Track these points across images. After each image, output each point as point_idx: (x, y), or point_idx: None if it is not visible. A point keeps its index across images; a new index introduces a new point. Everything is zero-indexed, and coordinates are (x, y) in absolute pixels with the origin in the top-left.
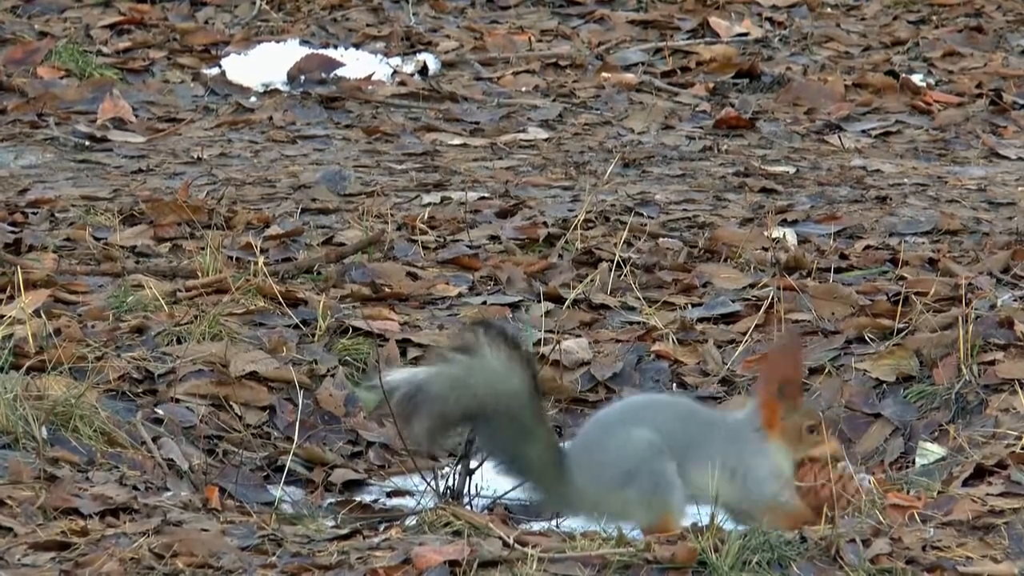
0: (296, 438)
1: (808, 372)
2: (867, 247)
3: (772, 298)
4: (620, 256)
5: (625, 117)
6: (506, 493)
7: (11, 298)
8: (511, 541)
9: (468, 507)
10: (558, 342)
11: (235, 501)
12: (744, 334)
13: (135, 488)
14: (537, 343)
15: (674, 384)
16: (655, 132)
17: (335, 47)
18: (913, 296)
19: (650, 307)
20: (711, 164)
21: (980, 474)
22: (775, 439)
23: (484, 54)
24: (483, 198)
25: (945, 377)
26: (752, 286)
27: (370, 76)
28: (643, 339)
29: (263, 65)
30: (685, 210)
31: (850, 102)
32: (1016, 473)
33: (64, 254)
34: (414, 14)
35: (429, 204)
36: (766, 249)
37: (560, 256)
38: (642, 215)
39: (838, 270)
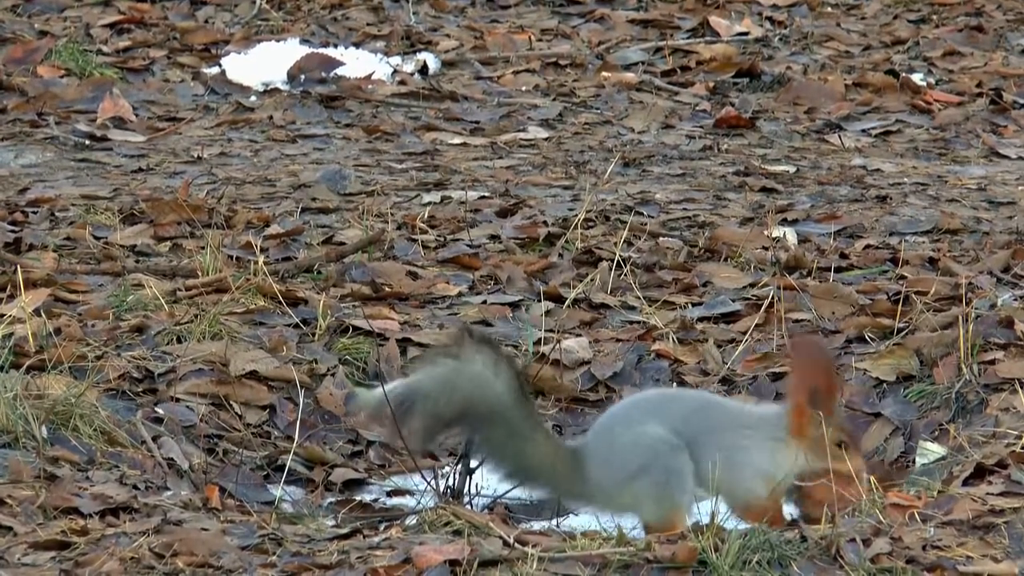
0: (296, 437)
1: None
2: (867, 246)
3: (772, 297)
4: (620, 255)
5: (625, 116)
6: (506, 492)
7: (11, 297)
8: (511, 540)
9: (468, 506)
10: (558, 341)
11: (235, 500)
12: (744, 333)
13: (135, 487)
14: (537, 342)
15: (674, 384)
16: (655, 131)
17: (335, 46)
18: (913, 295)
19: (650, 306)
20: (711, 163)
21: (980, 473)
22: (800, 446)
23: (484, 53)
24: (483, 197)
25: (945, 376)
26: (752, 285)
27: (370, 75)
28: (643, 338)
29: (263, 64)
30: (685, 209)
31: (850, 101)
32: (1016, 472)
33: (64, 253)
34: (414, 13)
35: (429, 203)
36: (766, 248)
37: (560, 255)
38: (642, 214)
39: (838, 269)
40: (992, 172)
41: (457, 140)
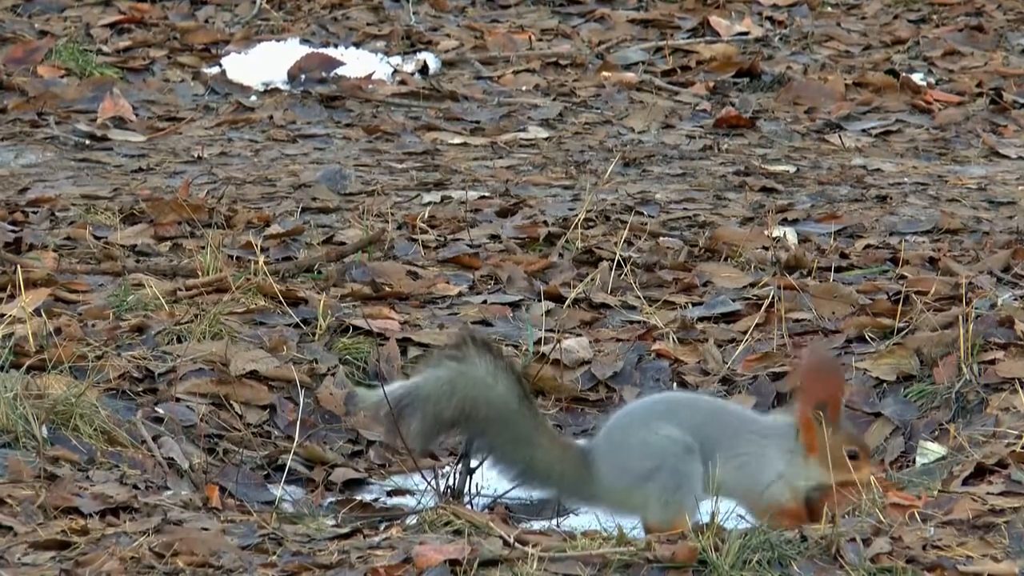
0: (296, 437)
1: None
2: (867, 246)
3: (772, 297)
4: (620, 255)
5: (625, 116)
6: (507, 492)
7: (11, 297)
8: (512, 540)
9: (468, 506)
10: (558, 341)
11: (235, 500)
12: (744, 333)
13: (135, 487)
14: (538, 342)
15: (675, 383)
16: (655, 131)
17: (335, 46)
18: (913, 295)
19: (650, 306)
20: (711, 163)
21: (980, 473)
22: (814, 460)
23: (484, 53)
24: (483, 197)
25: (945, 376)
26: (752, 285)
27: (370, 75)
28: (644, 338)
29: (263, 64)
30: (685, 209)
31: (850, 101)
32: (1016, 472)
33: (64, 253)
34: (414, 13)
35: (429, 203)
36: (766, 248)
37: (560, 255)
38: (642, 214)
39: (838, 269)
40: (992, 172)
41: (457, 140)
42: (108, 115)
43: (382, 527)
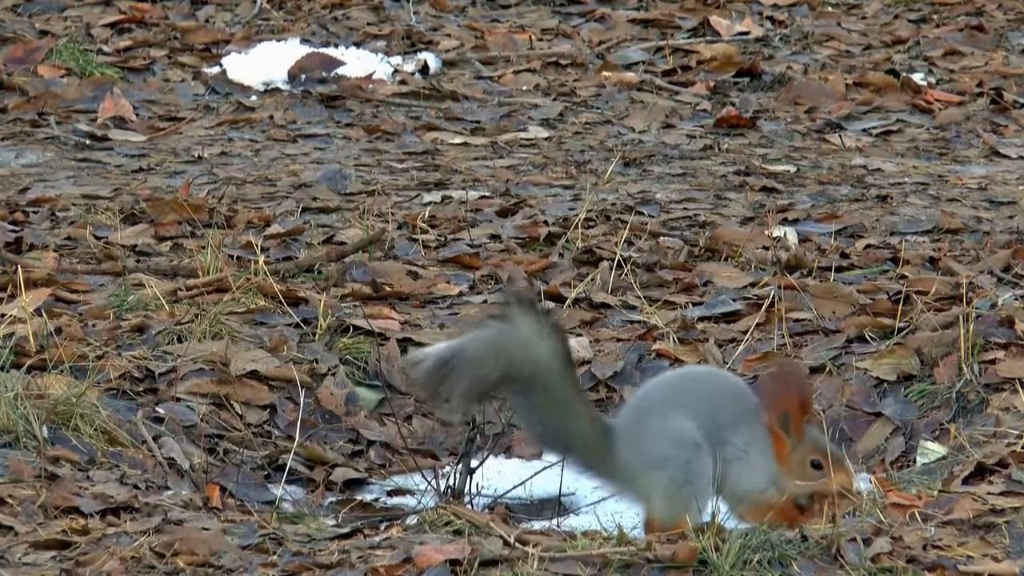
0: (297, 437)
1: (811, 376)
2: (868, 246)
3: (773, 297)
4: (621, 255)
5: (626, 116)
6: (507, 492)
7: (12, 297)
8: (512, 540)
9: (469, 506)
10: None
11: (236, 500)
12: (745, 333)
13: (136, 487)
14: None
15: None
16: (656, 131)
17: (336, 46)
18: (914, 295)
19: (651, 306)
20: (712, 163)
21: (981, 473)
22: (787, 474)
23: (485, 53)
24: (484, 197)
25: (946, 376)
26: (753, 285)
27: (371, 75)
28: (644, 338)
29: (264, 64)
30: (686, 209)
31: (851, 101)
32: (1017, 472)
33: (65, 253)
34: (415, 13)
35: (430, 203)
36: (767, 248)
37: (561, 255)
38: (643, 214)
39: (839, 269)
40: (992, 172)
41: (458, 140)
42: (108, 115)
43: (382, 527)
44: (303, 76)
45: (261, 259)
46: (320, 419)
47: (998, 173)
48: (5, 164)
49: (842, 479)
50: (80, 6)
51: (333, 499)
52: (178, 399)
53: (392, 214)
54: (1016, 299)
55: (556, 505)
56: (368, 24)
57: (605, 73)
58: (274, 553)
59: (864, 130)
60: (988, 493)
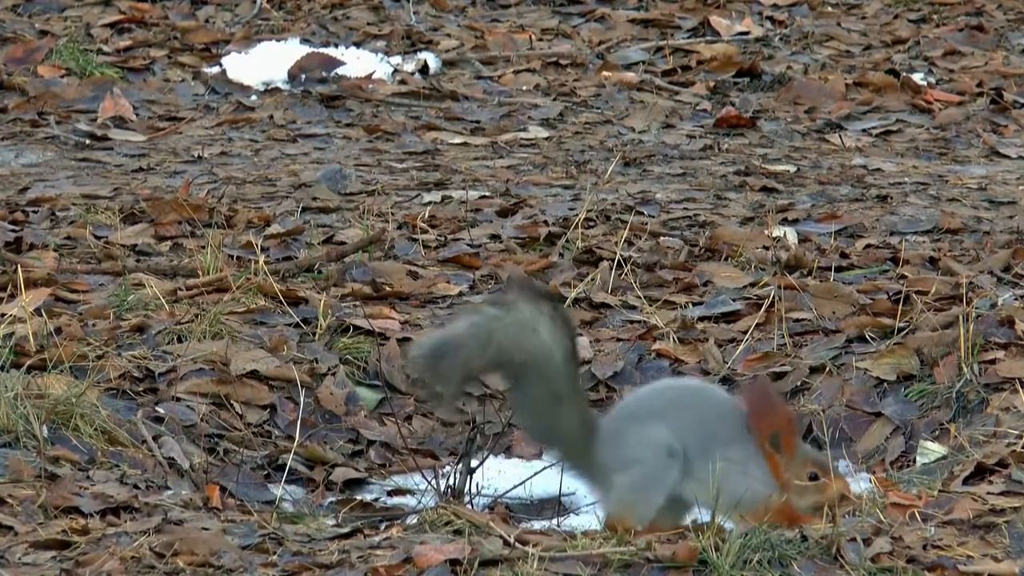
0: (297, 437)
1: (809, 375)
2: (868, 246)
3: (773, 297)
4: (621, 255)
5: (626, 116)
6: (507, 492)
7: (12, 297)
8: (512, 540)
9: (469, 506)
10: None
11: (236, 500)
12: (745, 333)
13: (136, 487)
14: None
15: None
16: (656, 131)
17: (336, 46)
18: (914, 295)
19: (651, 306)
20: (712, 163)
21: (981, 473)
22: (785, 491)
23: (485, 53)
24: (484, 197)
25: (946, 376)
26: (753, 285)
27: (371, 75)
28: (644, 338)
29: (264, 64)
30: (686, 209)
31: (851, 101)
32: (1017, 472)
33: (65, 253)
34: (415, 13)
35: (430, 203)
36: (767, 248)
37: (561, 255)
38: (643, 214)
39: (839, 269)
40: (992, 172)
41: (458, 140)
42: (108, 115)
43: (382, 527)
44: (303, 76)
45: (261, 259)
46: (320, 419)
47: (998, 173)
48: (5, 164)
49: (841, 486)
50: (80, 6)
51: (333, 499)
52: (178, 399)
53: (392, 214)
54: (1016, 299)
55: (556, 505)
56: (368, 24)
57: (605, 73)
58: (274, 553)
59: (864, 130)
60: (988, 493)
